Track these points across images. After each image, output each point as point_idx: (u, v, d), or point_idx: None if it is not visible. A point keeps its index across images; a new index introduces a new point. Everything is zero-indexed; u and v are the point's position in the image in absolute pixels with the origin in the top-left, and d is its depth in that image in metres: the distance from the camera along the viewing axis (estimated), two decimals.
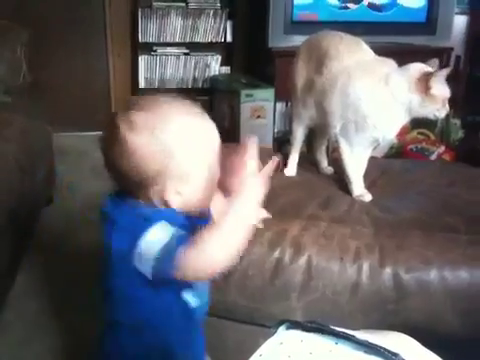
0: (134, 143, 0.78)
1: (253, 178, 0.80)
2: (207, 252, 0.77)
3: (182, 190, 0.82)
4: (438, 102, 1.37)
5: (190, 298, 0.89)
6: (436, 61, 1.42)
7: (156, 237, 0.77)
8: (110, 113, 0.85)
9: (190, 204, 0.84)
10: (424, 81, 1.34)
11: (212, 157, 0.84)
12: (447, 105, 1.40)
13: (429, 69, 1.38)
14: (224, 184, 0.87)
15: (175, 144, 0.80)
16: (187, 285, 0.87)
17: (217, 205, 0.91)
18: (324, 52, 1.49)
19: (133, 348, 0.88)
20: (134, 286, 0.82)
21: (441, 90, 1.36)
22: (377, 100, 1.39)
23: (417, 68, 1.38)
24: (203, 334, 0.98)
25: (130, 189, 0.83)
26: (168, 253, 0.76)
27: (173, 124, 0.81)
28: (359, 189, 1.48)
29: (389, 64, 1.43)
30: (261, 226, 1.06)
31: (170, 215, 0.81)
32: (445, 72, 1.35)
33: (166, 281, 0.80)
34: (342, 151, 1.49)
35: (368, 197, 1.47)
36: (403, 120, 1.42)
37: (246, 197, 0.79)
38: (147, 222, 0.78)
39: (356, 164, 1.49)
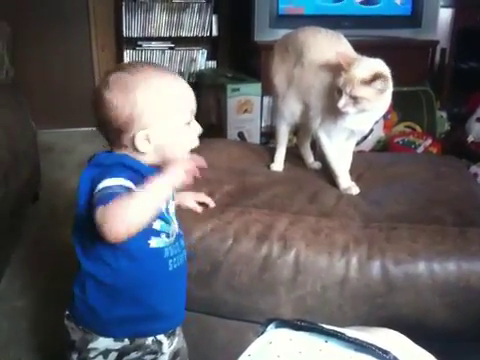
0: (106, 97, 0.93)
1: (176, 165, 0.93)
2: (118, 214, 0.84)
3: (150, 139, 0.94)
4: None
5: (153, 240, 0.97)
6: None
7: (103, 185, 0.88)
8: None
9: (161, 154, 0.96)
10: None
11: (176, 115, 0.96)
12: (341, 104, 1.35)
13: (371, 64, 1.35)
14: None
15: (141, 100, 0.93)
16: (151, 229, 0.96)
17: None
18: (303, 46, 1.49)
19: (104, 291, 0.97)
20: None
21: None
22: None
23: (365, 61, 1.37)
24: (180, 283, 1.06)
25: (110, 138, 0.97)
26: (101, 202, 0.86)
27: (141, 83, 0.94)
28: (346, 182, 1.48)
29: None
30: (200, 210, 1.27)
31: (131, 162, 0.93)
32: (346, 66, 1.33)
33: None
34: (323, 145, 1.49)
35: (355, 190, 1.46)
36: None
37: (165, 178, 0.91)
38: (104, 168, 0.91)
39: (339, 157, 1.50)
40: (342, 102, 1.34)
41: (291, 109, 1.56)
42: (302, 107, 1.53)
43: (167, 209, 1.00)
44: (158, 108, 0.94)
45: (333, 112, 1.42)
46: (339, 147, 1.49)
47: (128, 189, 0.88)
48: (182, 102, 0.97)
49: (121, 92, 0.93)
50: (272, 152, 1.68)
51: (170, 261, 1.00)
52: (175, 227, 1.03)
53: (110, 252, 0.93)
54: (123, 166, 0.92)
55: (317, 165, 1.66)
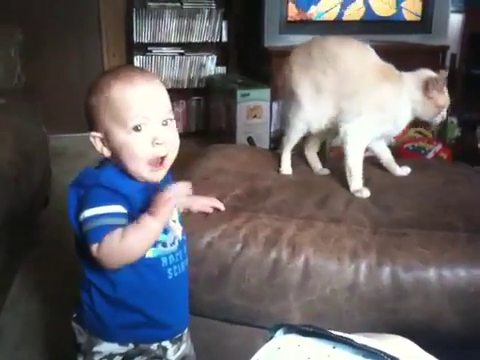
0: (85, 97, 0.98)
1: (159, 203, 0.91)
2: (112, 254, 0.90)
3: (105, 142, 0.96)
4: (435, 107, 1.51)
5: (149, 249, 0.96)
6: (445, 72, 1.55)
7: (88, 215, 0.91)
8: None
9: (121, 162, 0.95)
10: (426, 86, 1.49)
11: (119, 118, 0.93)
12: (444, 113, 1.54)
13: (434, 75, 1.51)
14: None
15: (96, 102, 0.95)
16: None
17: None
18: (332, 56, 1.52)
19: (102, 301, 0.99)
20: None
21: (438, 95, 1.49)
22: (396, 98, 1.50)
23: (425, 73, 1.52)
24: (181, 291, 1.06)
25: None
26: (88, 239, 0.90)
27: (102, 88, 0.95)
28: (358, 184, 1.50)
29: (393, 67, 1.55)
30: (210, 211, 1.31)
31: (108, 180, 0.93)
32: (442, 79, 1.49)
33: None
34: (349, 145, 1.52)
35: (366, 193, 1.47)
36: (409, 118, 1.55)
37: (155, 216, 0.91)
38: (84, 189, 0.93)
39: (361, 159, 1.53)
40: (444, 116, 1.54)
41: (318, 116, 1.57)
42: (332, 113, 1.55)
43: None
44: (105, 111, 0.94)
45: (387, 119, 1.52)
46: (363, 150, 1.54)
47: (112, 215, 0.90)
48: (126, 105, 0.93)
49: (86, 96, 0.98)
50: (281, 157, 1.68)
51: (169, 270, 1.00)
52: (176, 235, 1.02)
53: None
54: (100, 187, 0.92)
55: (325, 171, 1.66)
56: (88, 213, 0.91)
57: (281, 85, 1.65)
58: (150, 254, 0.97)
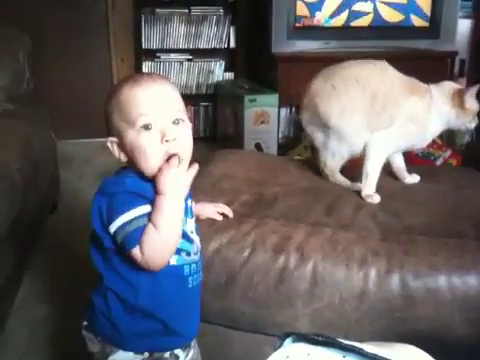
0: None
1: (160, 180, 0.91)
2: (157, 250, 0.91)
3: (120, 146, 0.96)
4: (470, 115, 1.55)
5: (173, 257, 0.97)
6: (464, 80, 1.65)
7: (120, 223, 0.90)
8: None
9: (135, 165, 0.95)
10: (458, 96, 1.53)
11: (126, 119, 0.94)
12: (476, 117, 1.58)
13: (459, 86, 1.57)
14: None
15: (110, 108, 0.97)
16: None
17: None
18: (357, 78, 1.53)
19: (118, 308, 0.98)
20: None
21: (473, 104, 1.55)
22: (425, 112, 1.53)
23: (451, 85, 1.58)
24: (198, 299, 1.07)
25: None
26: (127, 245, 0.91)
27: (114, 93, 0.97)
28: (370, 189, 1.50)
29: (418, 81, 1.58)
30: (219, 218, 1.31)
31: (132, 184, 0.93)
32: (476, 88, 1.53)
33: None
34: (375, 151, 1.53)
35: (376, 198, 1.47)
36: (439, 130, 1.59)
37: (170, 197, 0.91)
38: (109, 197, 0.92)
39: (380, 166, 1.53)
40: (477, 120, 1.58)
41: (358, 139, 1.56)
42: (367, 132, 1.54)
43: (184, 230, 0.99)
44: (116, 114, 0.95)
45: (416, 132, 1.55)
46: (385, 159, 1.56)
47: (141, 217, 0.91)
48: (134, 105, 0.93)
49: (104, 104, 0.99)
50: (289, 163, 1.67)
51: (190, 278, 1.00)
52: (197, 245, 1.03)
53: (131, 270, 0.94)
54: (126, 193, 0.92)
55: None
56: (119, 222, 0.90)
57: (310, 115, 1.61)
58: (174, 262, 0.97)
